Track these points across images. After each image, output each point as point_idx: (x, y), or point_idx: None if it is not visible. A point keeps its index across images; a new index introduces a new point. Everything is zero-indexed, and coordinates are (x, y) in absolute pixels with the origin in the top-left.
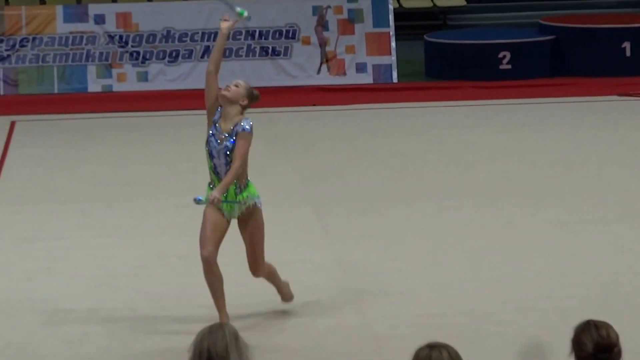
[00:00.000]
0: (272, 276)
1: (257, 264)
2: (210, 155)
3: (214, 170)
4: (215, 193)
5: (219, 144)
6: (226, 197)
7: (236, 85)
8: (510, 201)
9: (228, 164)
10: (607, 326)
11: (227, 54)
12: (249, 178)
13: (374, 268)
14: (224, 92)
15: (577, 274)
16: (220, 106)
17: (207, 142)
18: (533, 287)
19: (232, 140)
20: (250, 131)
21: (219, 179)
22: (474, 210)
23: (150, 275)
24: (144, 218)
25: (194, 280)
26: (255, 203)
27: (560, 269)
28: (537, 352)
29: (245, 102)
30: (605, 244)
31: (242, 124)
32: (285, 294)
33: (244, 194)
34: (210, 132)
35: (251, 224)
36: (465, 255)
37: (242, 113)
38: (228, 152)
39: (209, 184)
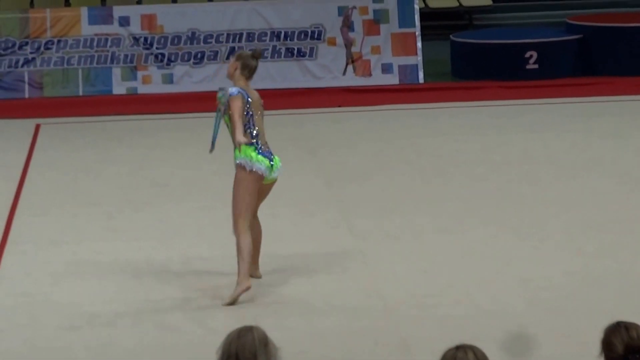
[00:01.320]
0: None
1: (233, 219)
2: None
3: (257, 136)
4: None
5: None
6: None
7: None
8: (538, 201)
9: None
10: (637, 327)
11: None
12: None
13: (400, 269)
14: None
15: (606, 275)
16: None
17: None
18: (561, 287)
19: (224, 107)
20: (237, 94)
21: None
22: (501, 211)
23: (175, 277)
24: (169, 220)
25: (219, 282)
26: (239, 163)
27: (590, 269)
28: (523, 346)
29: (238, 65)
30: (635, 243)
31: (228, 91)
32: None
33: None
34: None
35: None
36: (493, 255)
37: (242, 77)
38: (222, 119)
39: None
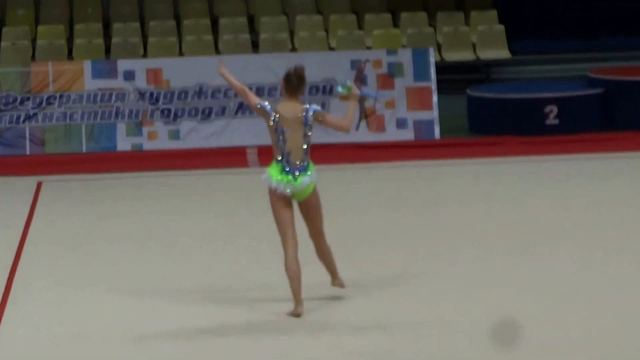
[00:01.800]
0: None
1: (319, 234)
2: (278, 140)
3: (277, 143)
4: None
5: (285, 130)
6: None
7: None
8: (558, 260)
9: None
10: None
11: None
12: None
13: (419, 330)
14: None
15: None
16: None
17: (275, 129)
18: (618, 341)
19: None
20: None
21: (281, 153)
22: (517, 271)
23: (186, 340)
24: (175, 280)
25: (231, 346)
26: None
27: None
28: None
29: (282, 83)
30: None
31: (310, 110)
32: None
33: (310, 170)
34: (271, 122)
35: (312, 197)
36: (511, 319)
37: (287, 94)
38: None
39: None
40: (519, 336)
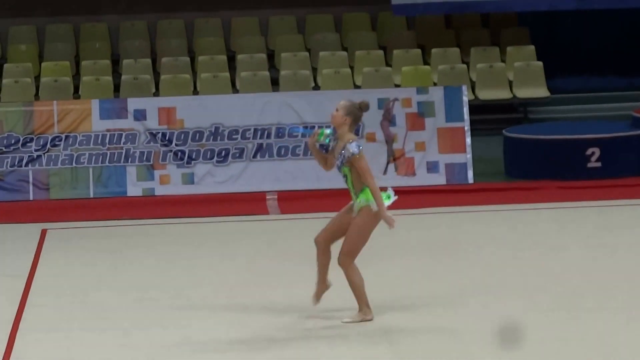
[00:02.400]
0: (351, 283)
1: (341, 251)
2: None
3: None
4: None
5: (335, 158)
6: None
7: (336, 110)
8: (602, 313)
9: (343, 176)
10: None
11: (282, 152)
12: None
13: None
14: (331, 121)
15: None
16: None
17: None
18: None
19: (339, 160)
20: (358, 152)
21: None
22: (562, 325)
23: None
24: (193, 337)
25: None
26: (368, 205)
27: None
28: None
29: (349, 120)
30: None
31: (349, 149)
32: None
33: (360, 197)
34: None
35: (357, 217)
36: None
37: (351, 130)
38: (339, 169)
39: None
40: None
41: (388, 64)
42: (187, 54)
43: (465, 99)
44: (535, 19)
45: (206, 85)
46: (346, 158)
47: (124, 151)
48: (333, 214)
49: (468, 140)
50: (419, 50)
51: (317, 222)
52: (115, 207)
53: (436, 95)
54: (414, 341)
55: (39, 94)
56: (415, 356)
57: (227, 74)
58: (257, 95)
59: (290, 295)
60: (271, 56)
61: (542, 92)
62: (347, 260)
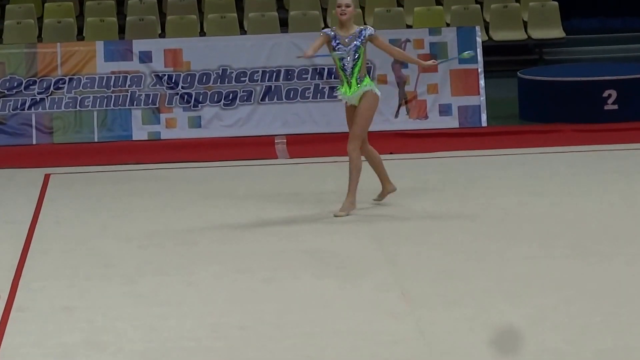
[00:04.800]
0: (372, 163)
1: (350, 137)
2: (340, 58)
3: (343, 67)
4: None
5: (347, 45)
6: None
7: (347, 6)
8: (619, 261)
9: (355, 59)
10: None
11: (291, 95)
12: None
13: (461, 341)
14: (344, 18)
15: None
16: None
17: (336, 49)
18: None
19: (358, 41)
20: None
21: (346, 74)
22: (577, 273)
23: (205, 349)
24: (197, 285)
25: (254, 355)
26: (372, 90)
27: None
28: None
29: (357, 10)
30: None
31: (368, 29)
32: (385, 190)
33: (364, 83)
34: (334, 43)
35: (361, 102)
36: (566, 324)
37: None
38: (356, 50)
39: (340, 82)
40: (573, 346)
41: (400, 5)
42: None
43: (479, 40)
44: None
45: (213, 26)
46: (366, 37)
47: (129, 94)
48: (342, 158)
49: (482, 82)
50: None
51: (326, 167)
52: (120, 151)
53: (449, 36)
54: (427, 287)
55: (42, 35)
56: (427, 302)
57: (235, 15)
58: (265, 36)
59: (299, 241)
60: None
61: (557, 32)
62: (355, 143)
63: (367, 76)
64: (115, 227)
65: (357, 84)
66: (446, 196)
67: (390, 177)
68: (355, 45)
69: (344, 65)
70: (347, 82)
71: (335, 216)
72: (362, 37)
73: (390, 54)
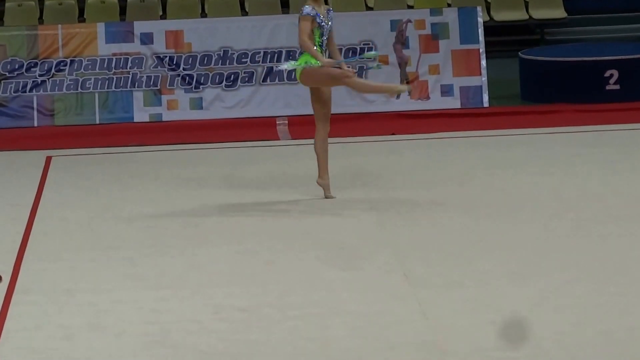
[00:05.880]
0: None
1: (328, 118)
2: (321, 35)
3: (321, 45)
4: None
5: (327, 24)
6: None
7: None
8: (621, 242)
9: (327, 38)
10: None
11: (292, 76)
12: None
13: (464, 321)
14: None
15: None
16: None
17: (320, 26)
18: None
19: (330, 21)
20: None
21: (322, 50)
22: (579, 254)
23: (207, 331)
24: (199, 267)
25: (256, 337)
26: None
27: None
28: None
29: None
30: None
31: (331, 10)
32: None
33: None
34: (318, 21)
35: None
36: (570, 305)
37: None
38: (330, 30)
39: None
40: (576, 327)
41: None
42: None
43: (480, 20)
44: None
45: (214, 7)
46: (331, 18)
47: (130, 76)
48: (344, 139)
49: (483, 62)
50: None
51: (330, 146)
52: (121, 133)
53: (450, 16)
54: (429, 268)
55: (43, 17)
56: (429, 283)
57: None
58: (266, 17)
59: (301, 223)
60: None
61: (559, 13)
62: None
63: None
64: (117, 209)
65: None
66: (448, 177)
67: (393, 157)
68: (330, 25)
69: (322, 41)
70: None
71: (327, 197)
72: (330, 18)
73: (329, 39)
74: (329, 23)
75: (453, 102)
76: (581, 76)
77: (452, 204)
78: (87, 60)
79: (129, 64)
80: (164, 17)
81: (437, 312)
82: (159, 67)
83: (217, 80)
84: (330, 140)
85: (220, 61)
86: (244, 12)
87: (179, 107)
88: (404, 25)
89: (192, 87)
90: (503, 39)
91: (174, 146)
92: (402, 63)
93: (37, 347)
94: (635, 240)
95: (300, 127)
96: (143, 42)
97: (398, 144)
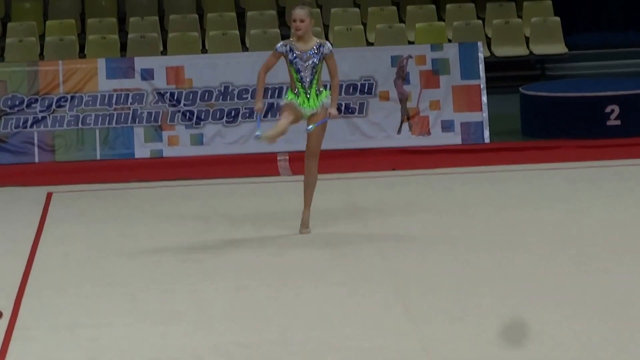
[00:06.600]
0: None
1: (315, 154)
2: (297, 71)
3: (300, 81)
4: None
5: (305, 61)
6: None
7: (301, 21)
8: (622, 279)
9: (313, 74)
10: None
11: None
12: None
13: (465, 356)
14: (299, 33)
15: None
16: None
17: (293, 63)
18: None
19: (317, 57)
20: (333, 50)
21: (303, 87)
22: (580, 290)
23: None
24: (200, 302)
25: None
26: (327, 102)
27: None
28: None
29: (313, 21)
30: None
31: (326, 46)
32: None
33: (323, 95)
34: (291, 57)
35: (320, 116)
36: (570, 340)
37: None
38: (314, 67)
39: (292, 90)
40: None
41: (401, 20)
42: (195, 11)
43: (481, 55)
44: None
45: (215, 43)
46: (324, 54)
47: (131, 112)
48: (345, 174)
49: (484, 98)
50: (433, 6)
51: (329, 183)
52: (122, 169)
53: (451, 52)
54: (431, 302)
55: (44, 53)
56: (431, 318)
57: (237, 32)
58: (267, 53)
59: (303, 257)
60: (282, 13)
61: (559, 48)
62: (316, 163)
63: (325, 89)
64: (118, 245)
65: (317, 95)
66: (449, 212)
67: (393, 192)
68: (314, 62)
69: (301, 78)
70: (306, 95)
71: (302, 233)
72: (320, 55)
73: (330, 76)
74: (314, 60)
75: (454, 138)
76: (582, 111)
77: (453, 239)
78: (88, 96)
79: (130, 100)
80: (164, 52)
81: (439, 347)
82: (159, 102)
83: (217, 116)
84: (328, 176)
85: (221, 97)
86: (245, 48)
87: (179, 143)
88: (405, 60)
89: (192, 123)
90: (504, 75)
91: (175, 182)
92: (403, 99)
93: None
94: (637, 276)
95: (301, 162)
96: (144, 78)
97: (398, 179)
